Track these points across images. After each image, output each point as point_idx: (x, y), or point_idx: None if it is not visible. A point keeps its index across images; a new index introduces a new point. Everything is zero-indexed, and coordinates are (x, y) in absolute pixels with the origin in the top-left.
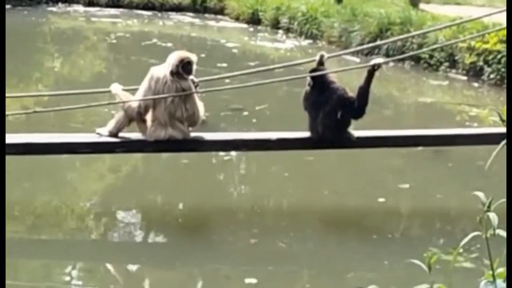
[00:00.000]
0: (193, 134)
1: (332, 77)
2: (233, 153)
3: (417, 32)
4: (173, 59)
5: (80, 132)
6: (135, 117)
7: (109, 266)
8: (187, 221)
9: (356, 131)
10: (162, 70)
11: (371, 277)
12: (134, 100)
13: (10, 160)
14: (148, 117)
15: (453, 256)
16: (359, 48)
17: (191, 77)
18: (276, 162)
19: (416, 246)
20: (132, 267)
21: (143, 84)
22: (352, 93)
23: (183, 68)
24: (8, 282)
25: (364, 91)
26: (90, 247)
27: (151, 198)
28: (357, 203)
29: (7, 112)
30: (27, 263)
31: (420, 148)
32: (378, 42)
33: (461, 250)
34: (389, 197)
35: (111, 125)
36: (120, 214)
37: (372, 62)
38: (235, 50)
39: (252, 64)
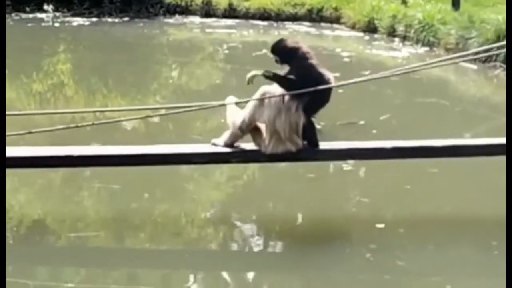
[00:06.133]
0: None
1: None
2: (353, 163)
3: None
4: None
5: (199, 143)
6: (239, 133)
7: (227, 275)
8: (305, 231)
9: (476, 139)
10: (275, 88)
11: None
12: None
13: (129, 171)
14: (263, 130)
15: None
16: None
17: None
18: (398, 173)
19: None
20: (250, 276)
21: (253, 101)
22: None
23: None
24: None
25: None
26: (210, 257)
27: (269, 208)
28: (480, 217)
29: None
30: (147, 273)
31: None
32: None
33: None
34: None
35: (225, 136)
36: (239, 224)
37: None
38: (349, 59)
39: (366, 73)
